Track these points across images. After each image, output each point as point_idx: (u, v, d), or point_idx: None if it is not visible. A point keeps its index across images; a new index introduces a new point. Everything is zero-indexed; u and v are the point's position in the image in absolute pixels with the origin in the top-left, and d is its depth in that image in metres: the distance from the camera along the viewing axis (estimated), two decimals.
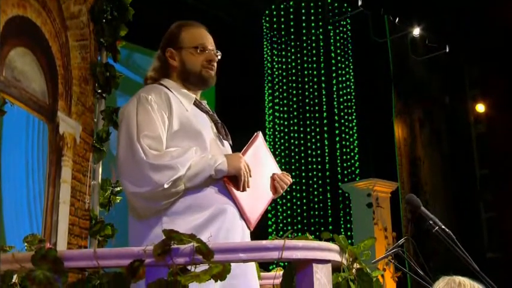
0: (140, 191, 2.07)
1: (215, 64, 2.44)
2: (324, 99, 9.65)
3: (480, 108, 10.94)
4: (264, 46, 9.73)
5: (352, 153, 9.50)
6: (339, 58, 9.80)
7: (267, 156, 2.46)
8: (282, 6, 9.69)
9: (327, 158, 9.39)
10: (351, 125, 9.62)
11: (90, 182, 3.01)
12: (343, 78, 9.76)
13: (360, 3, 9.05)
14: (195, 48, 2.40)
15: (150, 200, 2.07)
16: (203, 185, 2.16)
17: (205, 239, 2.02)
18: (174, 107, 2.26)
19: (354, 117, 9.66)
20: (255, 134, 2.47)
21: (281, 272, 1.71)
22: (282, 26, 9.75)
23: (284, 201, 9.11)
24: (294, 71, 9.75)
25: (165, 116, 2.22)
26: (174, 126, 2.22)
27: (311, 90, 9.69)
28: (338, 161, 9.43)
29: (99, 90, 3.15)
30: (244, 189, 2.24)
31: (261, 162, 2.37)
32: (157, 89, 2.31)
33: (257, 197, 2.32)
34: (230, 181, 2.22)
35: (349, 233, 8.90)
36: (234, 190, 2.22)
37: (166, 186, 2.05)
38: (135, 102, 2.25)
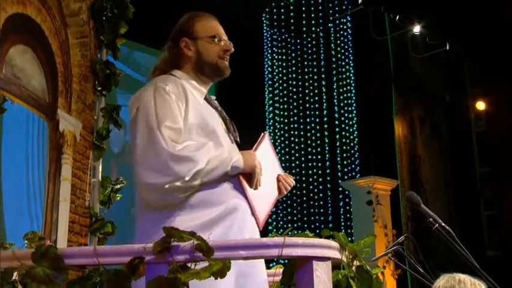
0: (158, 182, 2.01)
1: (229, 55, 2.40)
2: (324, 97, 9.66)
3: (481, 105, 10.94)
4: (264, 44, 9.73)
5: (352, 151, 9.50)
6: (339, 56, 9.80)
7: (272, 156, 2.45)
8: (282, 3, 9.69)
9: (327, 155, 9.40)
10: (351, 122, 9.63)
11: (90, 180, 3.01)
12: (343, 76, 9.76)
13: (360, 0, 9.05)
14: (212, 38, 2.36)
15: (166, 192, 2.02)
16: (217, 180, 2.13)
17: (217, 234, 2.02)
18: (190, 98, 2.22)
19: (354, 114, 9.67)
20: (262, 134, 2.45)
21: (281, 270, 1.72)
22: (282, 24, 9.76)
23: (284, 198, 9.10)
24: (294, 68, 9.76)
25: (182, 107, 2.17)
26: (189, 119, 2.17)
27: (311, 87, 9.70)
28: (338, 159, 9.44)
29: (99, 88, 3.15)
30: (256, 188, 2.23)
31: (267, 162, 2.35)
32: (173, 80, 2.26)
33: (264, 197, 2.32)
34: (244, 178, 2.21)
35: (349, 231, 8.91)
36: (247, 187, 2.21)
37: (187, 178, 2.01)
38: (151, 91, 2.19)
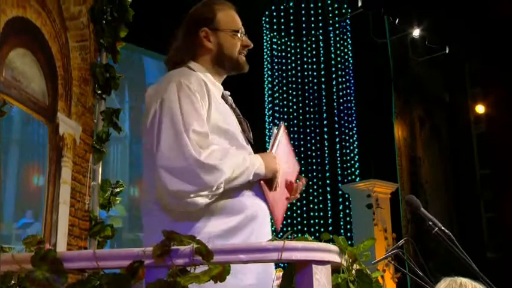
0: (185, 190, 1.92)
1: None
2: (324, 100, 9.67)
3: (480, 108, 10.95)
4: (264, 47, 9.74)
5: (352, 154, 9.51)
6: (339, 59, 9.82)
7: (289, 150, 2.38)
8: (282, 7, 9.70)
9: (327, 158, 9.41)
10: (350, 125, 9.63)
11: (90, 183, 3.01)
12: (343, 79, 9.78)
13: (359, 4, 9.05)
14: (236, 32, 2.26)
15: (191, 200, 1.94)
16: (238, 187, 2.06)
17: (239, 241, 1.99)
18: (212, 98, 2.11)
19: (354, 117, 9.68)
20: (279, 125, 2.38)
21: (281, 273, 1.71)
22: (282, 27, 9.76)
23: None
24: (294, 71, 9.77)
25: (205, 107, 2.06)
26: (211, 120, 2.07)
27: (311, 91, 9.71)
28: (338, 162, 9.45)
29: (99, 91, 3.15)
30: (275, 189, 2.18)
31: (283, 157, 2.28)
32: (196, 76, 2.12)
33: (282, 195, 2.26)
34: (265, 182, 2.16)
35: (349, 234, 8.91)
36: (267, 190, 2.16)
37: (214, 188, 1.94)
38: (174, 87, 2.05)
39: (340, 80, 9.77)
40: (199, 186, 1.93)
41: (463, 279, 3.38)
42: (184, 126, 1.97)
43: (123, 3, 3.18)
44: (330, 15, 9.83)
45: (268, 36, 9.79)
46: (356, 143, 9.56)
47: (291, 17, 9.76)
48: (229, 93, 2.31)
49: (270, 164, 2.15)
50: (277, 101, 9.66)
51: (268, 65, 9.76)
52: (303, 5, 9.75)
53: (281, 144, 2.33)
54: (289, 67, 9.78)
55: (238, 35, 2.27)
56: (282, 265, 1.63)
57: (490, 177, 10.63)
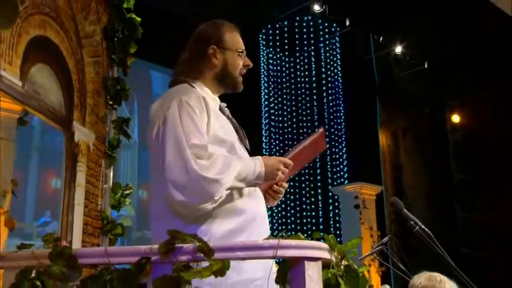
0: (188, 201, 1.93)
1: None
2: (316, 110, 9.68)
3: (456, 118, 10.98)
4: (261, 62, 9.75)
5: (341, 159, 9.52)
6: (328, 73, 9.84)
7: (307, 156, 2.38)
8: (277, 25, 9.72)
9: (318, 163, 9.41)
10: (339, 133, 9.65)
11: (103, 186, 3.00)
12: (333, 91, 9.80)
13: (347, 23, 9.07)
14: (241, 52, 2.26)
15: (196, 209, 1.95)
16: (239, 193, 2.08)
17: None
18: (211, 112, 2.11)
19: (342, 126, 9.69)
20: (319, 129, 2.37)
21: (276, 268, 1.71)
22: (277, 44, 9.78)
23: (278, 203, 9.08)
24: (288, 84, 9.79)
25: (204, 121, 2.06)
26: (211, 131, 2.07)
27: (303, 101, 9.72)
28: (328, 167, 9.46)
29: (111, 102, 3.15)
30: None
31: (298, 159, 2.28)
32: (195, 93, 2.12)
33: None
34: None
35: (338, 232, 8.91)
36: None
37: (216, 198, 1.95)
38: (175, 105, 2.05)
39: (330, 91, 9.78)
40: (202, 197, 1.95)
41: (442, 276, 3.38)
42: (186, 141, 1.98)
43: (133, 23, 3.19)
44: (321, 33, 9.85)
45: (265, 51, 9.80)
46: (344, 149, 9.57)
47: (285, 35, 9.77)
48: (225, 104, 2.31)
49: (270, 175, 2.14)
50: (272, 111, 9.67)
51: (265, 78, 9.77)
52: (296, 24, 9.77)
53: (305, 146, 2.31)
54: (284, 80, 9.79)
55: (243, 55, 2.27)
56: (277, 261, 1.62)
57: (465, 181, 10.66)
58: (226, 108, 2.29)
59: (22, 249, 1.66)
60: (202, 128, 2.05)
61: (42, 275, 1.53)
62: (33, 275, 1.57)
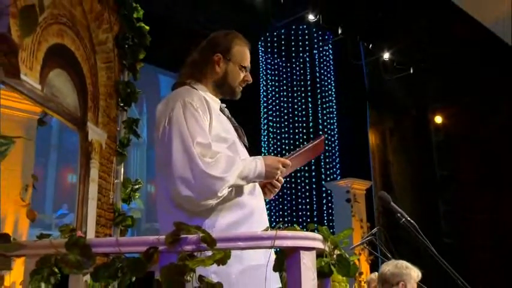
0: (193, 196, 1.92)
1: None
2: (310, 112, 9.68)
3: (439, 119, 11.00)
4: (260, 67, 9.75)
5: (333, 157, 9.52)
6: (322, 77, 9.84)
7: (306, 157, 2.33)
8: (275, 33, 9.71)
9: (313, 161, 9.41)
10: (332, 133, 9.65)
11: (114, 181, 3.00)
12: (326, 94, 9.79)
13: (340, 31, 9.08)
14: (243, 67, 2.23)
15: (199, 203, 1.94)
16: (239, 189, 2.07)
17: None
18: (213, 112, 2.09)
19: (335, 126, 9.69)
20: (320, 136, 2.34)
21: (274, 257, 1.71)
22: (275, 50, 9.78)
23: (276, 197, 9.09)
24: (285, 87, 9.78)
25: (207, 120, 2.05)
26: (212, 131, 2.06)
27: (299, 103, 9.72)
28: (322, 163, 9.45)
29: (122, 104, 3.15)
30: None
31: (296, 160, 2.26)
32: (197, 94, 2.10)
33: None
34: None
35: (331, 224, 8.91)
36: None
37: (219, 194, 1.93)
38: (179, 106, 2.03)
39: (323, 94, 9.78)
40: (207, 193, 1.94)
41: (407, 263, 3.43)
42: (191, 141, 1.97)
43: (142, 31, 3.19)
44: (315, 40, 9.84)
45: (264, 57, 9.80)
46: (337, 147, 9.57)
47: (283, 42, 9.77)
48: (225, 105, 2.29)
49: (270, 174, 2.13)
50: (270, 112, 9.67)
51: (264, 81, 9.77)
52: (292, 32, 9.77)
53: (306, 149, 2.29)
54: (281, 83, 9.79)
55: (244, 70, 2.25)
56: (276, 250, 1.62)
57: (447, 177, 10.68)
58: (226, 109, 2.28)
59: (41, 239, 1.66)
60: (206, 128, 2.03)
61: (59, 263, 1.53)
62: (51, 262, 1.57)
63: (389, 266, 3.42)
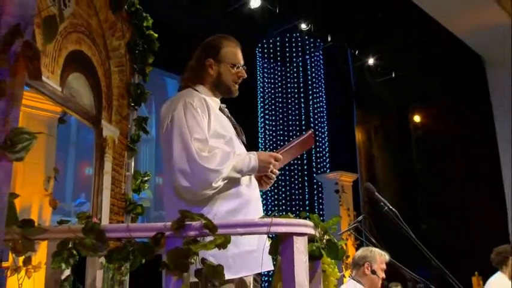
0: (191, 186, 1.94)
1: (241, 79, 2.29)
2: (303, 111, 9.67)
3: (418, 118, 11.05)
4: (257, 70, 9.74)
5: (323, 152, 9.52)
6: (314, 80, 9.83)
7: (296, 151, 2.33)
8: (271, 40, 9.70)
9: (305, 155, 9.42)
10: (323, 130, 9.65)
11: (125, 173, 2.99)
12: (317, 95, 9.79)
13: (329, 39, 9.08)
14: (233, 65, 2.23)
15: (196, 193, 1.96)
16: (236, 179, 2.07)
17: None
18: (211, 111, 2.10)
19: (325, 124, 9.69)
20: (309, 132, 2.35)
21: (269, 243, 1.72)
22: (271, 55, 9.76)
23: (272, 188, 9.09)
24: (280, 89, 9.77)
25: (206, 119, 2.06)
26: (211, 128, 2.07)
27: (293, 104, 9.71)
28: (313, 158, 9.46)
29: (132, 104, 3.14)
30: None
31: (287, 154, 2.26)
32: (198, 95, 2.11)
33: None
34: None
35: (321, 212, 8.92)
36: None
37: (214, 185, 1.95)
38: (181, 106, 2.05)
39: (314, 95, 9.78)
40: (203, 184, 1.95)
41: (374, 247, 3.53)
42: (189, 137, 1.99)
43: (151, 38, 3.18)
44: (307, 47, 9.84)
45: (261, 62, 9.78)
46: (327, 143, 9.57)
47: (278, 48, 9.76)
48: (225, 105, 2.30)
49: (263, 169, 2.12)
50: (267, 111, 9.66)
51: (261, 84, 9.76)
52: (286, 39, 9.76)
53: (296, 144, 2.29)
54: (276, 86, 9.78)
55: (235, 68, 2.24)
56: (270, 236, 1.63)
57: (424, 170, 10.77)
58: (226, 109, 2.29)
59: (61, 224, 1.67)
60: (204, 125, 2.04)
61: (77, 246, 1.54)
62: (70, 245, 1.58)
63: (359, 251, 3.60)
